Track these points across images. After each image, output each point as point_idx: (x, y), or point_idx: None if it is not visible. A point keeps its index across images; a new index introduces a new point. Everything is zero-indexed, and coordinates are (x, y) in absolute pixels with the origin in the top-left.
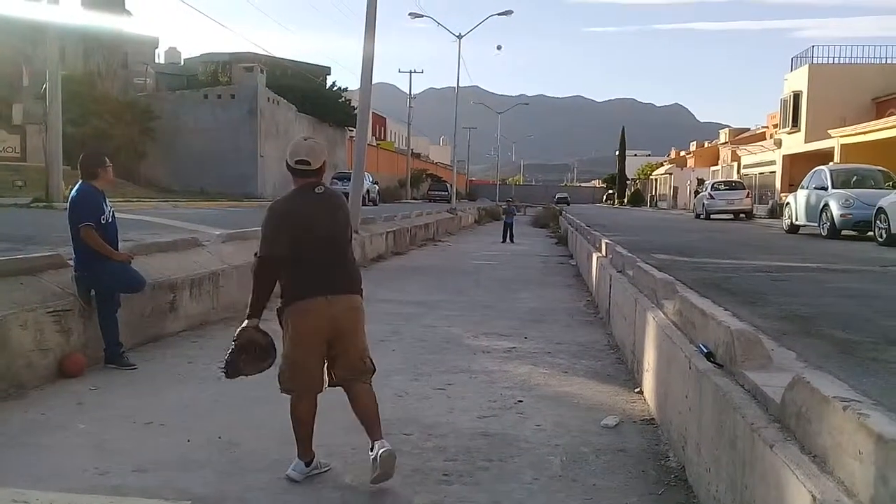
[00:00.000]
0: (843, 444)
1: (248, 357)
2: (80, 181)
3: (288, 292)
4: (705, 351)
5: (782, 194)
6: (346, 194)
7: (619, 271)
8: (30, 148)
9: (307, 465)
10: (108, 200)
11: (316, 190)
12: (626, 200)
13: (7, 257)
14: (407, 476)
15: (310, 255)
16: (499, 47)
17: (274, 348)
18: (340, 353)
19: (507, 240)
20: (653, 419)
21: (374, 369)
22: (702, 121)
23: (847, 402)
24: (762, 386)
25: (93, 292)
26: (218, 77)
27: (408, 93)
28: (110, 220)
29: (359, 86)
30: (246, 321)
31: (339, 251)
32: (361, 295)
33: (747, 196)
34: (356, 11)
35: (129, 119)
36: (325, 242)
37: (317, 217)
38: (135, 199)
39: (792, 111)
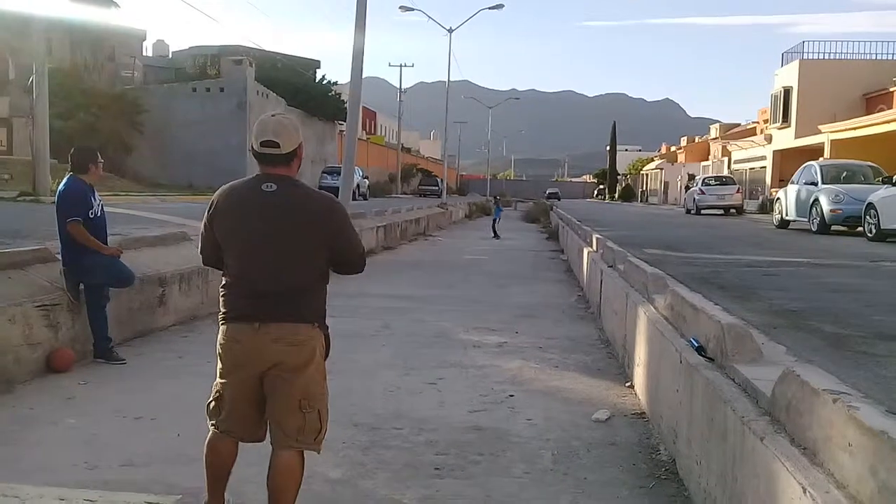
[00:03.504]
0: (833, 436)
1: None
2: (69, 175)
3: (219, 308)
4: (696, 345)
5: (772, 189)
6: (336, 189)
7: (610, 266)
8: (16, 141)
9: None
10: (97, 194)
11: (264, 187)
12: (616, 195)
13: None
14: (398, 470)
15: (242, 270)
16: None
17: None
18: (269, 396)
19: (494, 235)
20: (643, 413)
21: (322, 430)
22: (692, 116)
23: (837, 394)
24: (752, 379)
25: (81, 286)
26: (206, 70)
27: (398, 87)
28: (99, 214)
29: (349, 79)
30: None
31: (285, 273)
32: (319, 327)
33: (738, 191)
34: (346, 4)
35: (116, 112)
36: (261, 257)
37: (253, 222)
38: (122, 193)
39: (782, 107)
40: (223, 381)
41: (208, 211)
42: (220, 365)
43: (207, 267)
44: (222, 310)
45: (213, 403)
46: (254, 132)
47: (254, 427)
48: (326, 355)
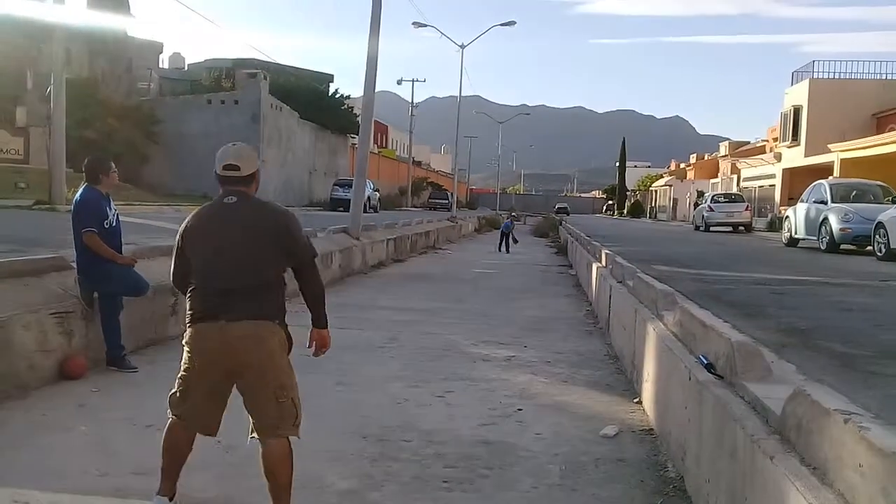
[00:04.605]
0: (843, 456)
1: None
2: (85, 185)
3: (187, 311)
4: (705, 362)
5: (782, 207)
6: (348, 201)
7: (619, 282)
8: (33, 150)
9: (170, 499)
10: (112, 204)
11: (226, 200)
12: (625, 211)
13: (10, 258)
14: (407, 483)
15: (208, 272)
16: None
17: None
18: (245, 392)
19: (505, 249)
20: (652, 430)
21: (297, 416)
22: (702, 133)
23: (848, 414)
24: (762, 398)
25: (95, 295)
26: (221, 83)
27: (410, 101)
28: (114, 223)
29: (362, 91)
30: None
31: (245, 271)
32: (280, 324)
33: (747, 209)
34: (361, 18)
35: (132, 123)
36: (227, 260)
37: (216, 229)
38: (137, 203)
39: (792, 125)
40: (191, 376)
41: (180, 232)
42: (187, 362)
43: (177, 290)
44: (189, 312)
45: (177, 394)
46: (217, 158)
47: (210, 420)
48: (289, 350)
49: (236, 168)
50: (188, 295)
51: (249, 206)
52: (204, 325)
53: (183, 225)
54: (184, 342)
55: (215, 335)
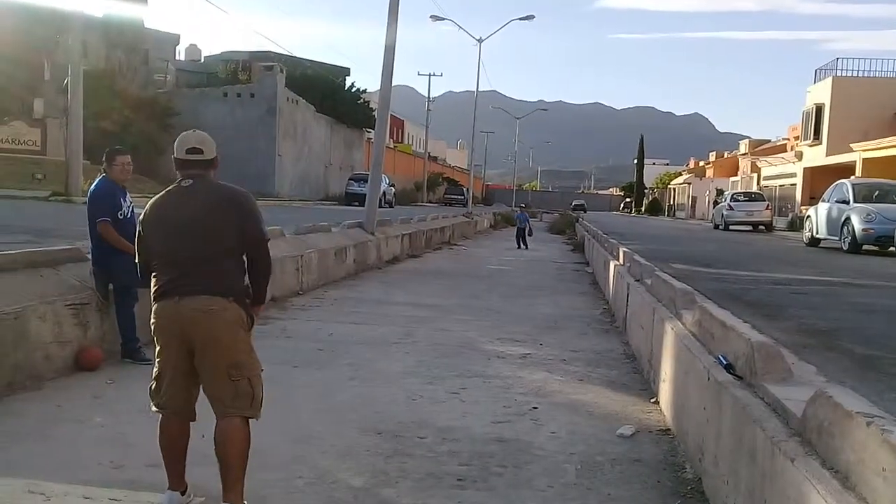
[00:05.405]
0: (866, 460)
1: None
2: (101, 176)
3: (151, 293)
4: (725, 363)
5: (802, 207)
6: (363, 196)
7: (637, 280)
8: (50, 141)
9: (182, 493)
10: (128, 196)
11: (183, 183)
12: (643, 209)
13: (27, 249)
14: (421, 480)
15: (166, 249)
16: None
17: None
18: (199, 368)
19: (522, 245)
20: (669, 430)
21: (255, 396)
22: (721, 131)
23: (871, 417)
24: (783, 399)
25: (110, 286)
26: (238, 75)
27: (426, 96)
28: (128, 215)
29: (379, 84)
30: None
31: (201, 250)
32: (236, 301)
33: (767, 208)
34: (379, 9)
35: (148, 115)
36: (184, 239)
37: (173, 210)
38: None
39: (814, 124)
40: (159, 359)
41: (140, 219)
42: (156, 344)
43: (141, 276)
44: (151, 291)
45: (153, 384)
46: (178, 144)
47: (188, 402)
48: (250, 327)
49: (199, 151)
50: (152, 277)
51: (208, 185)
52: (162, 302)
53: (142, 214)
54: (150, 324)
55: (171, 312)
